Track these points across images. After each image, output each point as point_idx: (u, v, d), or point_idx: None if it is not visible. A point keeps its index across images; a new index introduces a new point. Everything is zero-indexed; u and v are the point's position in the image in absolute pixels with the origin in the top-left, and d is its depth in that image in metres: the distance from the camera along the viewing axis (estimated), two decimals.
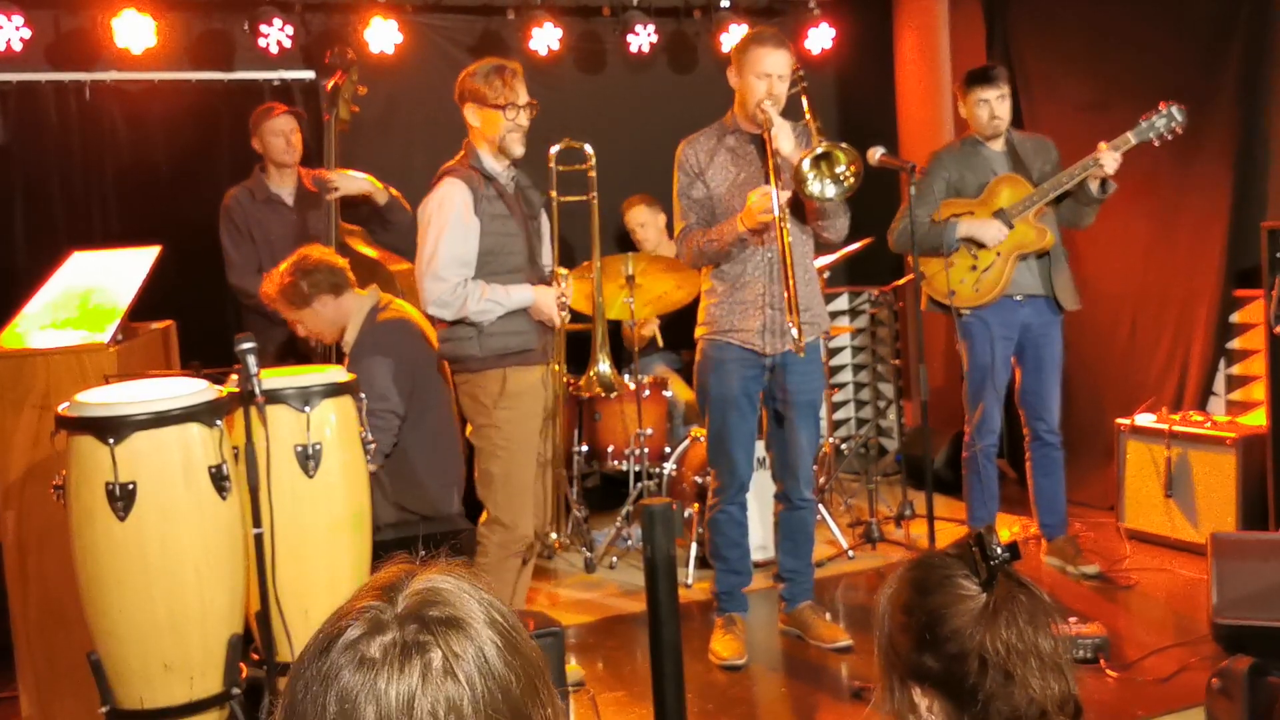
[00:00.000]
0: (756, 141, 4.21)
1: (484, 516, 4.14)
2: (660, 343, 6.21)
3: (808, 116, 4.15)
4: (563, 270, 4.26)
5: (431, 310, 4.05)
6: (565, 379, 5.01)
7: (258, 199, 5.27)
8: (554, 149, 4.53)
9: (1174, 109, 4.72)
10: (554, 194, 4.41)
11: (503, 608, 1.15)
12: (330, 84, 5.09)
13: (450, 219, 3.97)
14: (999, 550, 1.57)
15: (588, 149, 4.47)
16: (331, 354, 4.77)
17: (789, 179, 4.06)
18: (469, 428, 4.21)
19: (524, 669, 1.12)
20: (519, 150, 4.11)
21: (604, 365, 4.69)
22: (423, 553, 1.22)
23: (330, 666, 1.09)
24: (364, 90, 5.14)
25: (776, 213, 4.00)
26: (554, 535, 5.37)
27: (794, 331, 4.02)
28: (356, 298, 4.40)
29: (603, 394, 4.94)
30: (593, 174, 4.47)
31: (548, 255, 4.30)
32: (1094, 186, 4.80)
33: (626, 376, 5.65)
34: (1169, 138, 4.75)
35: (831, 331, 4.78)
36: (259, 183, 5.31)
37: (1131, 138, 4.72)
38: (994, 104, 4.86)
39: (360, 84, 5.11)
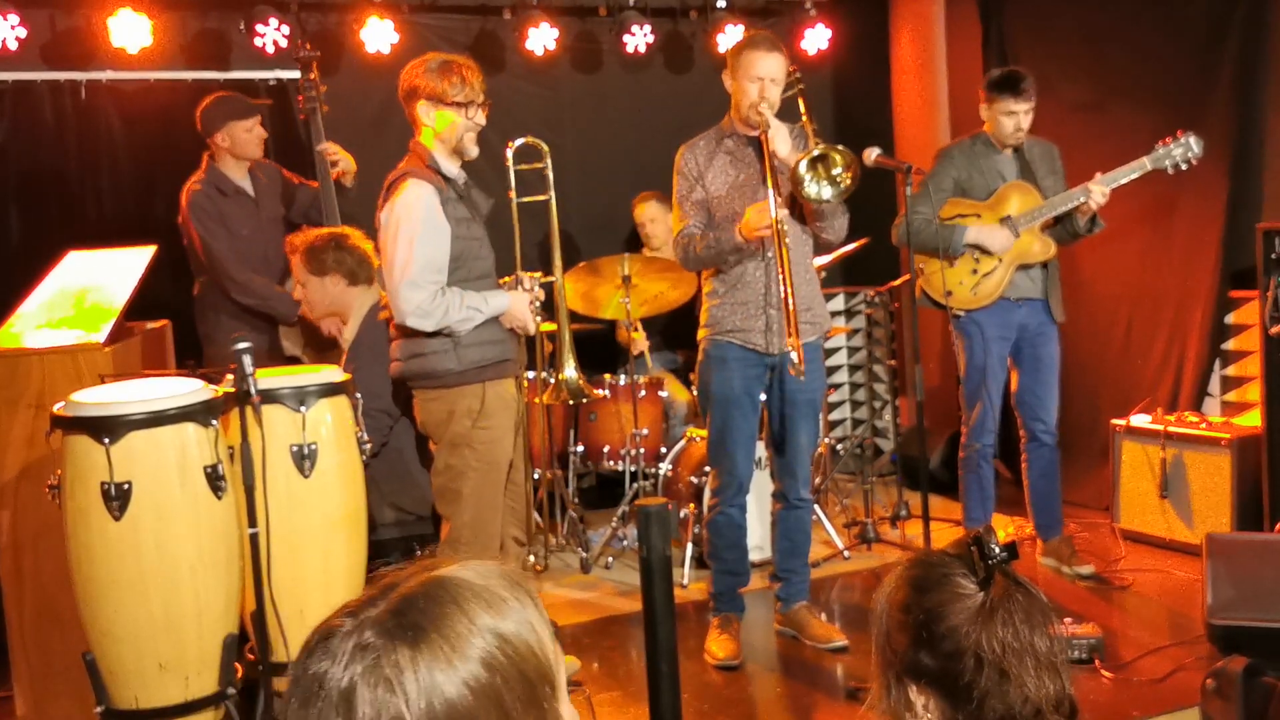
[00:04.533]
0: (754, 144, 4.21)
1: (444, 533, 3.93)
2: (649, 361, 6.16)
3: (804, 119, 4.16)
4: (535, 274, 4.09)
5: (411, 321, 3.74)
6: (545, 382, 4.98)
7: (227, 193, 5.11)
8: (511, 147, 4.40)
9: (1191, 139, 4.67)
10: (513, 194, 4.28)
11: (518, 636, 1.13)
12: (303, 79, 5.17)
13: (421, 222, 3.72)
14: (997, 550, 1.58)
15: (544, 146, 4.36)
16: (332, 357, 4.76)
17: (786, 181, 4.06)
18: (431, 444, 3.98)
19: (492, 702, 1.10)
20: (474, 151, 3.91)
21: (570, 371, 4.58)
22: (419, 552, 1.24)
23: (304, 659, 1.12)
24: (323, 88, 5.19)
25: (774, 214, 4.00)
26: (532, 558, 5.32)
27: (793, 355, 3.98)
28: (363, 292, 4.42)
29: (570, 401, 4.84)
30: (549, 172, 4.34)
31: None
32: (1081, 222, 4.80)
33: (622, 377, 5.66)
34: (1184, 168, 4.71)
35: (830, 332, 4.77)
36: (221, 176, 5.12)
37: (1148, 163, 4.70)
38: (1021, 117, 4.80)
39: (322, 84, 5.19)
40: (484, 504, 3.90)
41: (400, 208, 3.75)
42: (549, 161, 4.29)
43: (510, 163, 4.31)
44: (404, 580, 1.16)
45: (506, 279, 4.10)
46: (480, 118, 3.87)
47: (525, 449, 4.17)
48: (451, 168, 3.91)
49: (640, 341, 6.06)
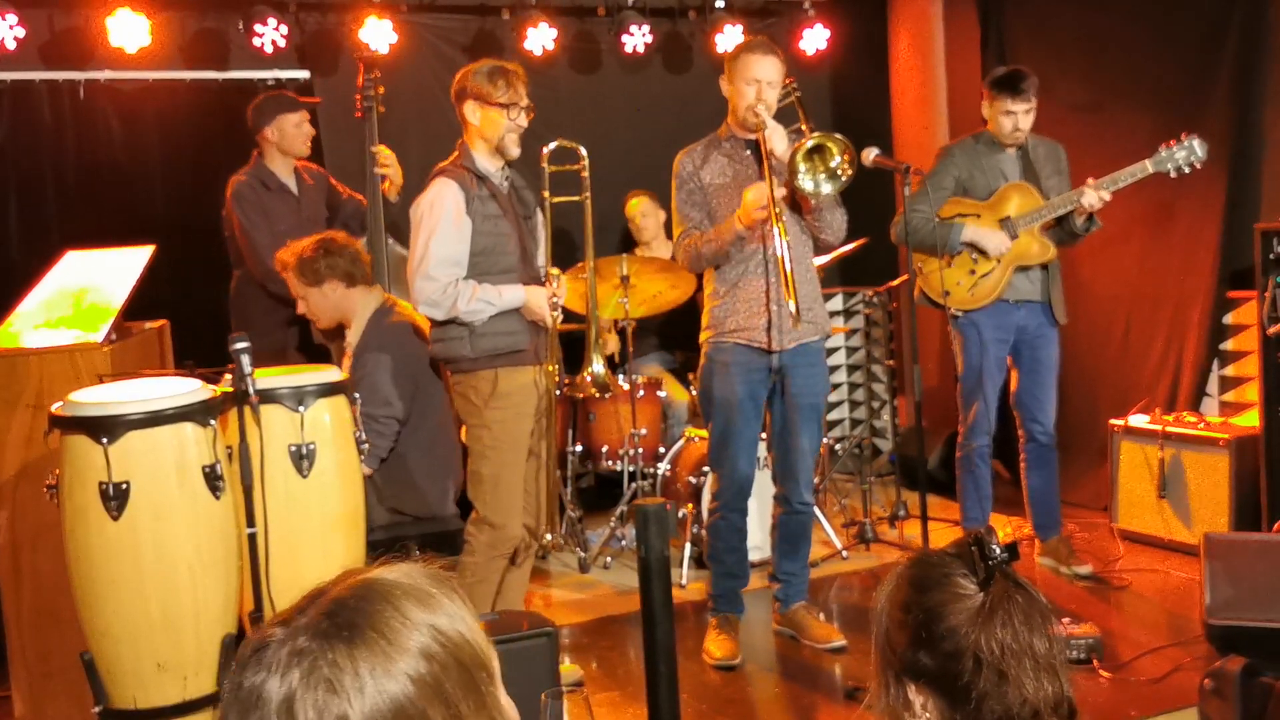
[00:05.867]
0: (752, 146, 4.22)
1: (474, 515, 4.13)
2: (617, 359, 6.17)
3: (801, 123, 4.15)
4: (555, 270, 4.21)
5: (423, 310, 4.04)
6: (560, 379, 5.00)
7: (271, 188, 5.17)
8: (547, 149, 4.50)
9: (1194, 142, 4.62)
10: (546, 194, 4.37)
11: (450, 628, 1.16)
12: (364, 78, 5.21)
13: (441, 219, 3.95)
14: (998, 550, 1.58)
15: (581, 150, 4.44)
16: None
17: (785, 178, 4.07)
18: (464, 428, 4.20)
19: (434, 691, 1.12)
20: (516, 151, 4.10)
21: (598, 365, 4.65)
22: (416, 553, 1.25)
23: (238, 674, 1.13)
24: (381, 89, 5.21)
25: (772, 201, 3.99)
26: (549, 536, 5.36)
27: (791, 305, 3.99)
28: (364, 293, 4.42)
29: (597, 394, 4.92)
30: (586, 174, 4.43)
31: (542, 255, 4.28)
32: (1078, 222, 4.76)
33: (621, 377, 5.66)
34: (1187, 171, 4.65)
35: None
36: (266, 171, 5.19)
37: (1149, 166, 4.65)
38: (1020, 117, 4.77)
39: (380, 83, 5.21)
40: (503, 485, 4.05)
41: (424, 204, 4.00)
42: (586, 163, 4.37)
43: (546, 163, 4.40)
44: (332, 587, 1.18)
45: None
46: (522, 120, 4.09)
47: (550, 439, 4.25)
48: (490, 166, 4.10)
49: (611, 343, 6.06)
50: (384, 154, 5.10)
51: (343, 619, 1.12)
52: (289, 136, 5.18)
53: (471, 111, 4.06)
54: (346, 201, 5.43)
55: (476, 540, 4.04)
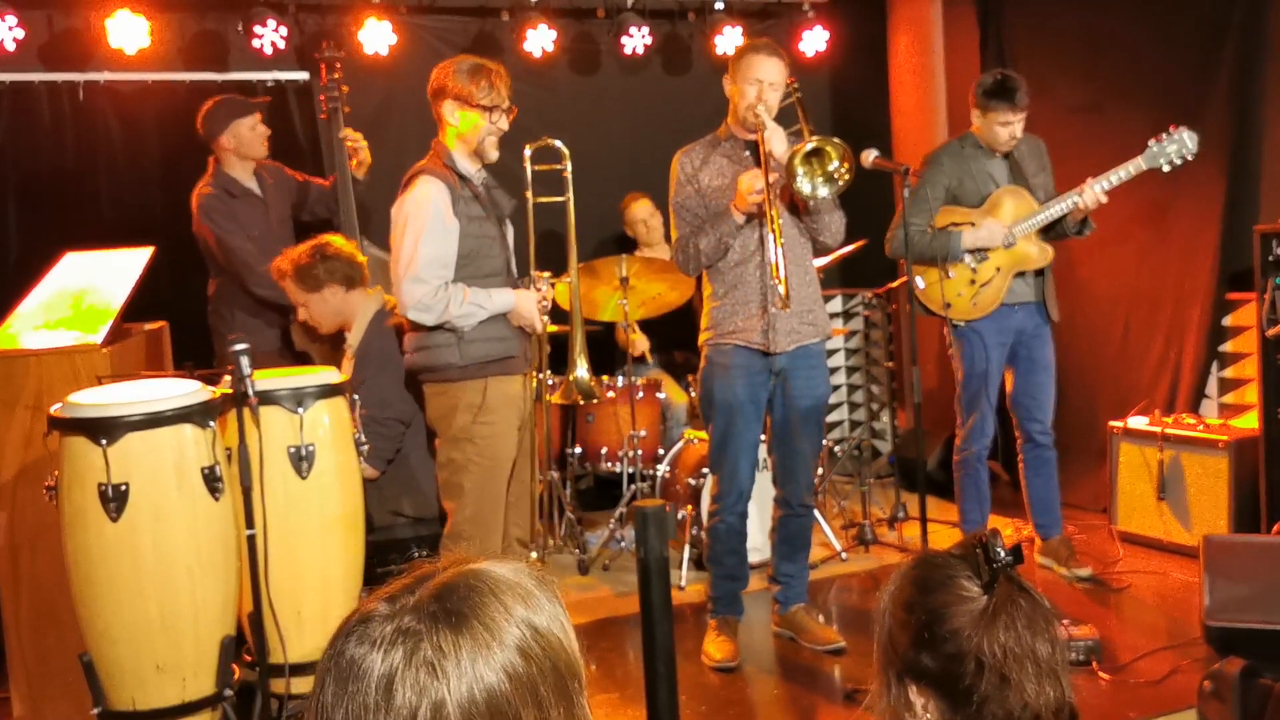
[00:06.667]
0: (751, 147, 4.21)
1: (448, 528, 3.97)
2: (649, 359, 6.20)
3: (801, 124, 4.15)
4: (545, 274, 4.13)
5: (412, 315, 3.84)
6: (547, 384, 4.98)
7: (235, 195, 5.06)
8: (529, 149, 4.42)
9: (1184, 134, 4.56)
10: (529, 194, 4.29)
11: (548, 630, 1.16)
12: (326, 78, 5.21)
13: (429, 219, 3.80)
14: (1002, 554, 1.58)
15: (563, 148, 4.37)
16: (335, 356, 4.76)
17: (783, 178, 4.06)
18: (437, 439, 4.03)
19: (528, 690, 1.12)
20: (495, 154, 3.98)
21: (582, 370, 4.58)
22: (419, 554, 1.26)
23: (340, 642, 1.13)
24: (345, 89, 5.20)
25: (768, 186, 3.97)
26: (534, 554, 5.35)
27: (780, 289, 3.96)
28: (364, 296, 4.41)
29: (581, 401, 4.86)
30: (568, 174, 4.36)
31: (512, 260, 4.15)
32: (1071, 225, 4.73)
33: (620, 379, 5.66)
34: (1179, 163, 4.60)
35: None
36: (228, 179, 5.07)
37: (1142, 162, 4.60)
38: (1015, 126, 4.72)
39: (343, 83, 5.20)
40: (485, 499, 3.93)
41: (409, 204, 3.85)
42: (568, 164, 4.30)
43: (528, 163, 4.32)
44: (439, 571, 1.18)
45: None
46: (504, 123, 3.95)
47: (532, 447, 4.17)
48: (469, 168, 3.98)
49: (640, 342, 6.07)
50: (352, 136, 5.10)
51: (451, 605, 1.12)
52: (246, 141, 5.06)
53: (450, 111, 3.91)
54: (308, 188, 5.36)
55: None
